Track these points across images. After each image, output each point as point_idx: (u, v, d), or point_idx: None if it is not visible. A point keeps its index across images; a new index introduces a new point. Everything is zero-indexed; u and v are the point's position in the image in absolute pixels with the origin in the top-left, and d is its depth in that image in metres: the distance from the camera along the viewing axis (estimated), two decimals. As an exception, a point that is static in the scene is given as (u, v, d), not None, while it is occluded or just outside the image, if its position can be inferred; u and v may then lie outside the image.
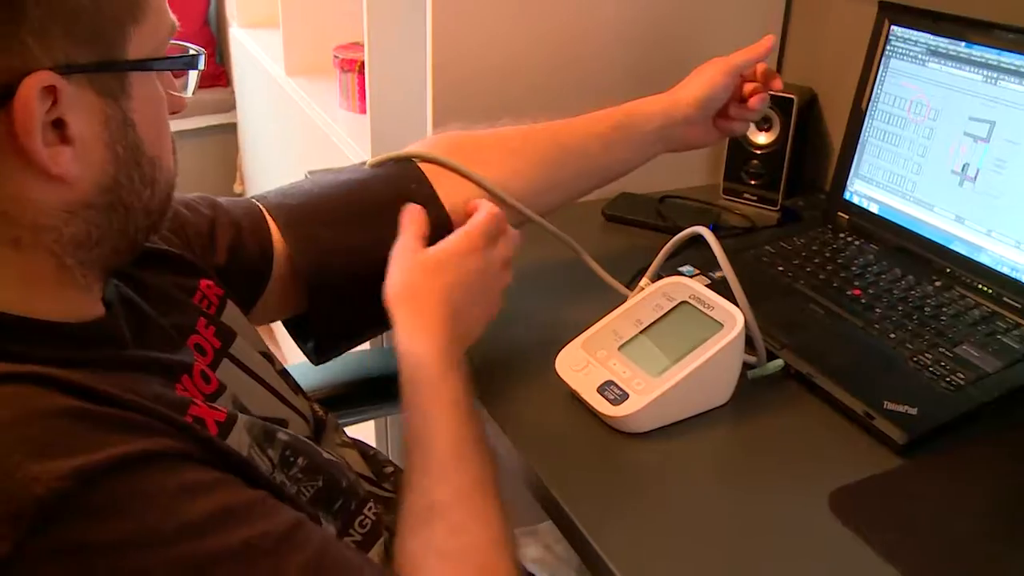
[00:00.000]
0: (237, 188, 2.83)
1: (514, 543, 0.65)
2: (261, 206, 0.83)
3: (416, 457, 0.67)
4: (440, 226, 0.83)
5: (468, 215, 0.81)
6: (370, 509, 0.70)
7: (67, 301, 0.56)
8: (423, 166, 0.88)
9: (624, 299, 0.89)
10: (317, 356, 0.87)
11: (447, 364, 0.71)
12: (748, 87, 1.01)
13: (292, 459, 0.64)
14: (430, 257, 0.77)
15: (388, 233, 0.79)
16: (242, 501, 0.52)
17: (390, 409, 1.12)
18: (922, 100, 1.01)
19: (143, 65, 0.55)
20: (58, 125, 0.51)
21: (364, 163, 0.91)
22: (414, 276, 0.76)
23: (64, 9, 0.50)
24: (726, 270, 0.84)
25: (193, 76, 0.63)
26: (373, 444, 1.37)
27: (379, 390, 1.03)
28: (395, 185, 0.86)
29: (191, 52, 0.60)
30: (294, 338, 0.89)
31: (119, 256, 0.58)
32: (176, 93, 0.61)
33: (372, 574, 0.57)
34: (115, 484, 0.47)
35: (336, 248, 0.82)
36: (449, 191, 0.87)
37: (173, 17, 0.58)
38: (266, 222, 0.82)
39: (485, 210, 0.81)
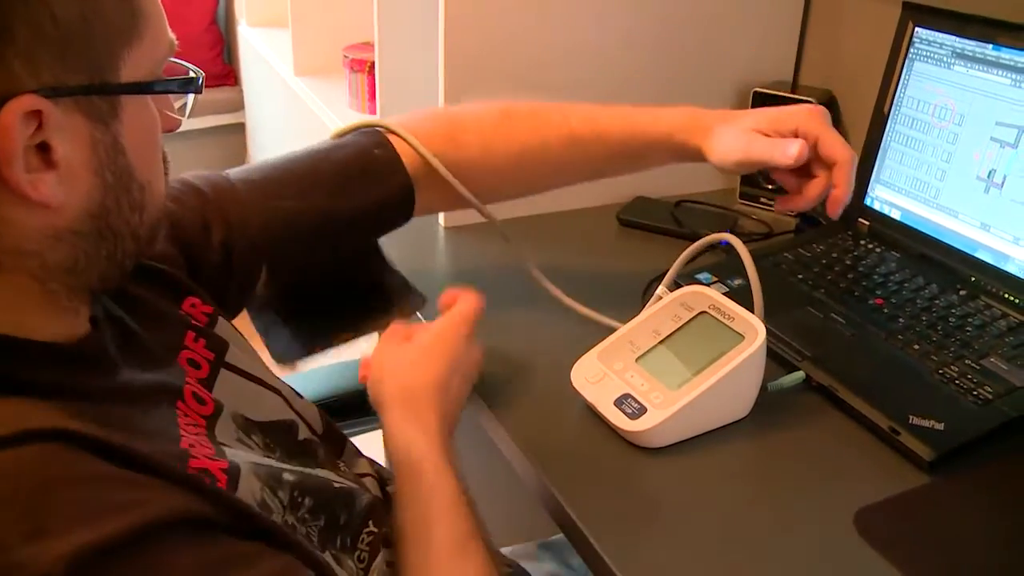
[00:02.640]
0: (245, 188, 2.82)
1: None
2: (237, 187, 0.80)
3: (414, 551, 0.65)
4: (403, 192, 0.86)
5: (447, 306, 0.80)
6: (363, 541, 0.68)
7: (52, 323, 0.54)
8: (390, 135, 0.88)
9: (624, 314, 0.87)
10: (291, 351, 0.87)
11: (444, 456, 0.69)
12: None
13: (299, 499, 0.62)
14: (419, 350, 0.75)
15: (349, 199, 0.83)
16: (276, 569, 0.50)
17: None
18: (947, 104, 0.98)
19: (136, 88, 0.53)
20: (43, 148, 0.49)
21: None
22: (404, 375, 0.74)
23: (54, 31, 0.47)
24: (752, 280, 0.82)
25: (191, 98, 0.61)
26: (380, 452, 1.36)
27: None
28: (358, 150, 0.86)
29: (190, 75, 0.57)
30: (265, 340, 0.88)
31: (106, 281, 0.56)
32: (171, 114, 0.59)
33: None
34: (119, 564, 0.43)
35: (297, 218, 0.81)
36: (412, 159, 0.87)
37: (172, 36, 0.56)
38: (246, 208, 0.79)
39: (471, 302, 0.79)
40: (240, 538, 0.51)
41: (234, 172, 0.82)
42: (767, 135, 0.86)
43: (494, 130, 0.91)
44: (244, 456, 0.61)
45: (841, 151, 0.85)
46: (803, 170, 0.88)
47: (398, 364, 0.75)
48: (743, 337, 0.77)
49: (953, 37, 0.97)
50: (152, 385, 0.59)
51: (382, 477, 0.80)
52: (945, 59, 0.98)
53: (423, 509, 0.66)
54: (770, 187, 1.25)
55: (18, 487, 0.43)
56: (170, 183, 0.75)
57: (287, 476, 0.63)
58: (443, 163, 0.87)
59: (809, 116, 0.86)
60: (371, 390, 0.75)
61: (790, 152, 0.84)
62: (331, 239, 0.84)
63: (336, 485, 0.68)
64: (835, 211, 0.86)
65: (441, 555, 0.64)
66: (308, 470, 0.67)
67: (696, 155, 0.90)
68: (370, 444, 1.38)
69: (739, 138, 0.87)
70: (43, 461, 0.45)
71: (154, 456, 0.49)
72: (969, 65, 0.96)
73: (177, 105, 0.61)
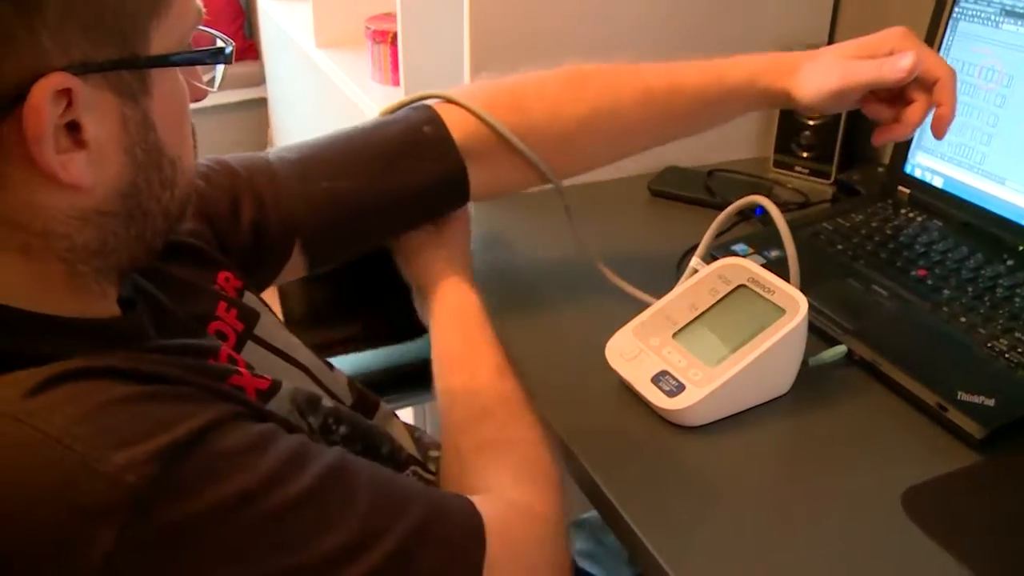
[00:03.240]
0: (268, 163, 2.81)
1: (550, 444, 0.69)
2: (274, 166, 0.78)
3: (461, 373, 0.73)
4: (454, 170, 0.82)
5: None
6: (408, 476, 0.71)
7: (81, 304, 0.52)
8: (440, 109, 0.83)
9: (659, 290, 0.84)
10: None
11: (478, 299, 0.79)
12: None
13: (334, 426, 0.65)
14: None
15: (393, 179, 0.80)
16: (295, 445, 0.52)
17: (427, 396, 1.09)
18: (994, 65, 0.94)
19: (166, 61, 0.50)
20: (72, 127, 0.47)
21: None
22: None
23: (84, 4, 0.45)
24: (788, 247, 0.79)
25: (220, 69, 0.58)
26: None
27: (417, 377, 0.99)
28: (406, 127, 0.82)
29: (219, 44, 0.55)
30: None
31: (135, 262, 0.55)
32: (199, 84, 0.57)
33: (414, 483, 0.60)
34: (196, 457, 0.46)
35: (335, 198, 0.79)
36: (467, 134, 0.82)
37: (199, 3, 0.53)
38: (280, 186, 0.77)
39: None
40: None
41: (273, 152, 0.80)
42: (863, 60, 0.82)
43: (561, 92, 0.86)
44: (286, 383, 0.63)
45: (944, 68, 0.80)
46: (896, 98, 0.83)
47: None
48: (784, 311, 0.75)
49: (1001, -6, 0.93)
50: (186, 345, 0.59)
51: (421, 441, 0.79)
52: (992, 17, 0.94)
53: (466, 340, 0.76)
54: (805, 155, 1.21)
55: (89, 410, 0.45)
56: (204, 162, 0.74)
57: (326, 402, 0.65)
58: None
59: (903, 36, 0.81)
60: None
61: (902, 65, 0.79)
62: (374, 221, 0.81)
63: (369, 422, 0.70)
64: (942, 131, 0.81)
65: (490, 374, 0.72)
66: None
67: (783, 99, 0.85)
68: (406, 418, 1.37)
69: (834, 67, 0.82)
70: (87, 389, 0.46)
71: (187, 377, 0.51)
72: (1019, 23, 0.92)
73: (206, 78, 0.58)
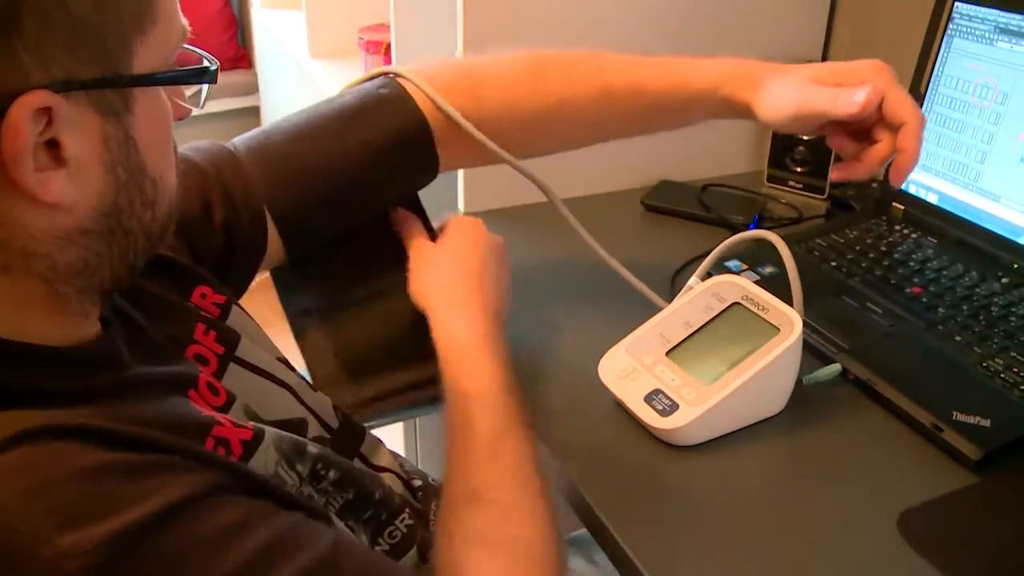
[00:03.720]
0: (260, 172, 2.79)
1: (559, 530, 0.63)
2: (239, 156, 0.75)
3: (458, 443, 0.66)
4: (415, 124, 0.79)
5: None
6: (403, 521, 0.68)
7: (62, 326, 0.51)
8: (402, 81, 0.81)
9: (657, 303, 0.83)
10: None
11: (487, 347, 0.71)
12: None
13: (323, 472, 0.62)
14: (449, 249, 0.79)
15: (356, 134, 0.77)
16: (279, 532, 0.49)
17: (419, 411, 1.08)
18: (988, 83, 0.94)
19: (149, 80, 0.50)
20: (52, 145, 0.46)
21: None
22: (441, 272, 0.78)
23: (65, 21, 0.44)
24: (792, 275, 0.78)
25: (205, 89, 0.57)
26: (402, 447, 1.34)
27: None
28: (363, 92, 0.80)
29: (204, 64, 0.54)
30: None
31: (118, 281, 0.53)
32: (183, 102, 0.56)
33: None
34: (150, 544, 0.43)
35: (302, 167, 0.76)
36: (427, 111, 0.80)
37: (184, 22, 0.52)
38: (247, 176, 0.74)
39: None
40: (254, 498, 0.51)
41: (238, 140, 0.77)
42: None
43: (518, 84, 0.83)
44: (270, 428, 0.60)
45: (912, 112, 0.74)
46: (863, 134, 0.78)
47: (435, 265, 0.79)
48: (778, 329, 0.74)
49: (996, 11, 0.93)
50: (163, 376, 0.57)
51: (406, 471, 0.78)
52: (987, 35, 0.94)
53: (463, 403, 0.68)
54: (799, 169, 1.21)
55: (42, 483, 0.42)
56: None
57: (311, 449, 0.62)
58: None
59: (877, 71, 0.76)
60: (415, 296, 0.78)
61: (856, 99, 0.73)
62: (340, 184, 0.77)
63: (357, 467, 0.67)
64: (900, 180, 0.76)
65: (480, 446, 0.65)
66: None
67: (744, 111, 0.80)
68: (396, 434, 1.36)
69: (795, 89, 0.77)
70: (49, 455, 0.44)
71: (163, 440, 0.48)
72: (1013, 41, 0.91)
73: (189, 93, 0.57)
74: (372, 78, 0.83)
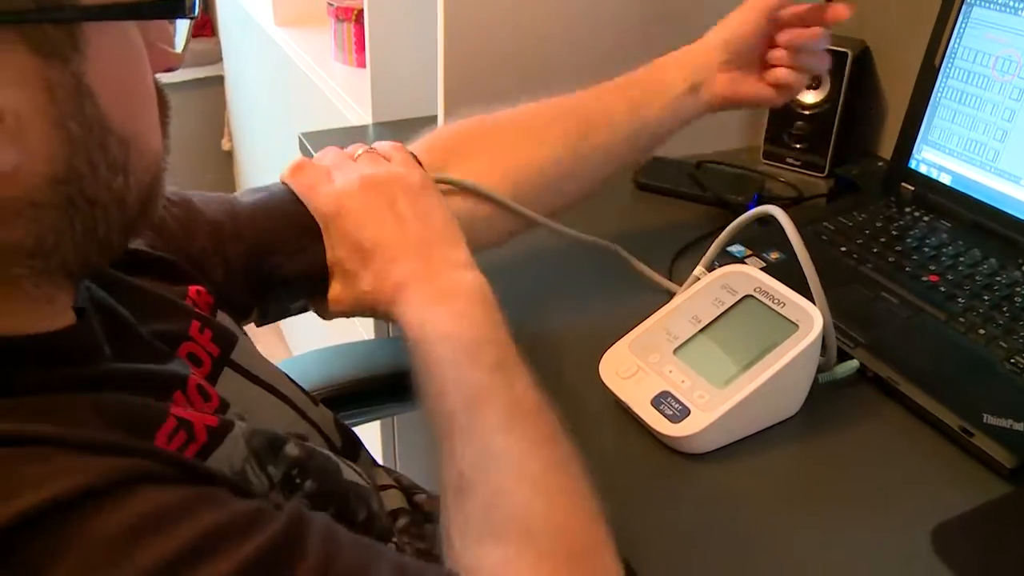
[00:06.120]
0: (225, 145, 2.69)
1: (584, 484, 0.53)
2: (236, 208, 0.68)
3: (437, 423, 0.55)
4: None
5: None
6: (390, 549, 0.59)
7: (15, 313, 0.43)
8: None
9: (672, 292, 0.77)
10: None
11: (439, 299, 0.60)
12: (786, 33, 0.85)
13: (299, 480, 0.52)
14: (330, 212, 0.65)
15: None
16: (225, 517, 0.40)
17: (396, 408, 1.01)
18: (1011, 56, 0.87)
19: (102, 12, 0.40)
20: None
21: None
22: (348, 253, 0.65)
23: None
24: (805, 264, 0.72)
25: (182, 27, 0.48)
26: (379, 445, 1.26)
27: (385, 387, 0.91)
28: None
29: None
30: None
31: (87, 262, 0.44)
32: (167, 48, 0.46)
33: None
34: (30, 543, 0.36)
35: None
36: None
37: None
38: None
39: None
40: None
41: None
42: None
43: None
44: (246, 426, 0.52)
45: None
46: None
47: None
48: (797, 326, 0.68)
49: (1020, -21, 0.86)
50: (145, 374, 0.49)
51: (403, 486, 0.71)
52: (1010, 3, 0.87)
53: (431, 377, 0.57)
54: (797, 146, 1.14)
55: None
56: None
57: (290, 449, 0.53)
58: None
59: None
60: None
61: None
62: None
63: (346, 478, 0.58)
64: (836, 13, 0.84)
65: (457, 419, 0.55)
66: (325, 450, 0.58)
67: (716, 51, 0.84)
68: (373, 432, 1.29)
69: (735, 12, 0.85)
70: None
71: (91, 436, 0.40)
72: (1039, 11, 0.85)
73: (180, 38, 0.48)
74: None
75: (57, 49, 0.39)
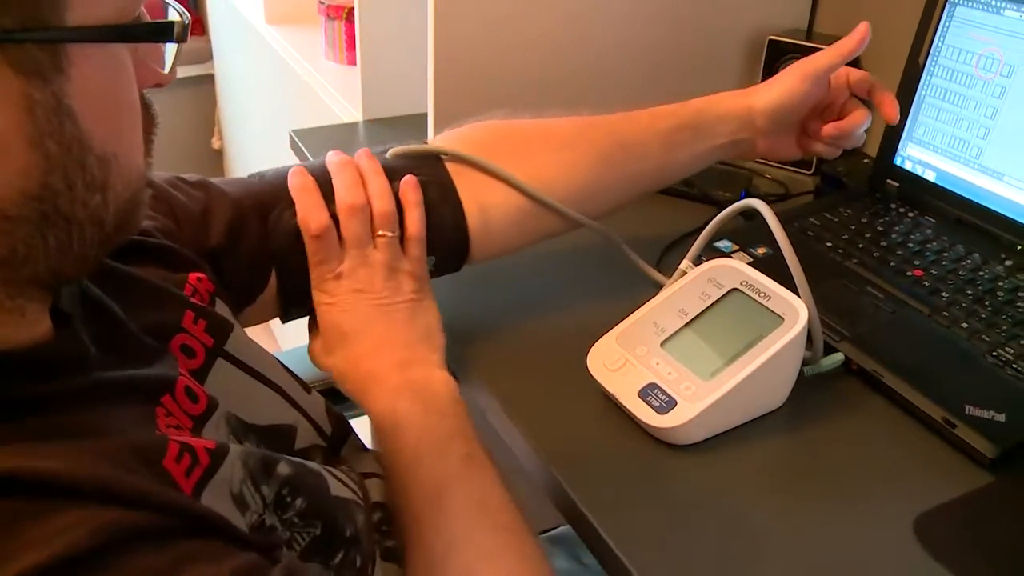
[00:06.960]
0: (215, 144, 2.69)
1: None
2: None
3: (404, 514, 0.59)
4: (458, 239, 0.75)
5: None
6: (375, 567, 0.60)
7: None
8: (450, 165, 0.76)
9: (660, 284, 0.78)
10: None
11: (409, 400, 0.64)
12: (832, 128, 0.87)
13: (289, 499, 0.53)
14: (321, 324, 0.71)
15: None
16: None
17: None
18: (994, 54, 0.89)
19: (85, 35, 0.40)
20: None
21: (386, 149, 0.77)
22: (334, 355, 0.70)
23: None
24: (788, 257, 0.72)
25: (171, 50, 0.48)
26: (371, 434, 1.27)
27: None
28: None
29: (169, 19, 0.45)
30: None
31: (59, 275, 0.45)
32: (156, 67, 0.47)
33: None
34: None
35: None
36: (477, 191, 0.76)
37: None
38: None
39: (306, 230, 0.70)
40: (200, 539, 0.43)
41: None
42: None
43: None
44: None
45: (842, 52, 0.85)
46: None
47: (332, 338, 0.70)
48: (782, 319, 0.69)
49: (1003, -22, 0.88)
50: (133, 381, 0.49)
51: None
52: (993, 2, 0.88)
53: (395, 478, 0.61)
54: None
55: None
56: (183, 181, 0.68)
57: (281, 469, 0.54)
58: None
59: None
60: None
61: (859, 28, 0.84)
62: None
63: (334, 493, 0.59)
64: (894, 111, 0.86)
65: (424, 508, 0.59)
66: (313, 464, 0.58)
67: (761, 117, 0.86)
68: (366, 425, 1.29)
69: (788, 71, 0.86)
70: None
71: (79, 474, 0.40)
72: (1022, 9, 0.86)
73: (169, 56, 0.48)
74: (426, 154, 0.77)
75: (39, 69, 0.39)
